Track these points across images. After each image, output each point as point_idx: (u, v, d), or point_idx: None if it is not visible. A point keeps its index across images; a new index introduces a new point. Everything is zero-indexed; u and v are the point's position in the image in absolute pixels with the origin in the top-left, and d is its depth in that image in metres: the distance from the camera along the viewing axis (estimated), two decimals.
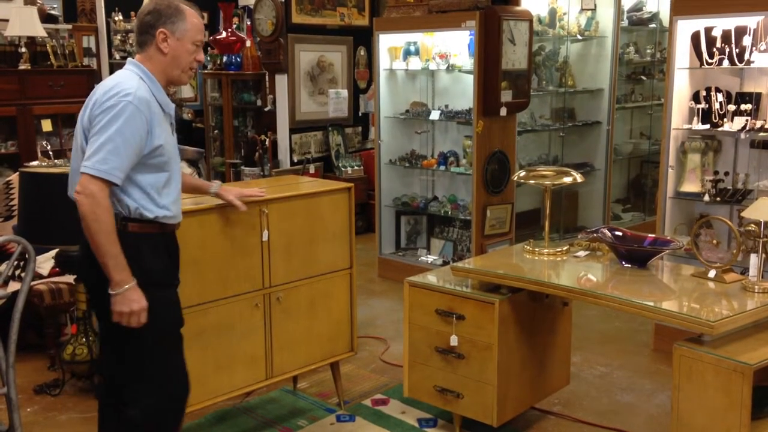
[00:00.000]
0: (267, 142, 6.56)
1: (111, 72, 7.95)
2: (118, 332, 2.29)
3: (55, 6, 7.78)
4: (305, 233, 3.13)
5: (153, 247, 2.31)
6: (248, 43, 6.69)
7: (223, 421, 3.30)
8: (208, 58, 6.90)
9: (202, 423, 3.27)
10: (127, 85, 2.21)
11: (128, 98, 2.17)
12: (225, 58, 6.79)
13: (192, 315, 2.72)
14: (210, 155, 7.13)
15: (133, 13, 7.89)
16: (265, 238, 2.96)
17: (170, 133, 2.35)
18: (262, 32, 6.62)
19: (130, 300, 2.21)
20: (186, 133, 7.45)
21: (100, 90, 2.25)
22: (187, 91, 8.31)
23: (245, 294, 2.92)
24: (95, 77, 7.14)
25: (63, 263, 3.82)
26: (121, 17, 8.20)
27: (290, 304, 3.09)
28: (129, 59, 2.37)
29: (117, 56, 8.17)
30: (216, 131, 7.24)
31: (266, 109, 6.80)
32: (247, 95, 6.95)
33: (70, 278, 3.78)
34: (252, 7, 6.80)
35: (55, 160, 4.04)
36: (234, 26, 6.92)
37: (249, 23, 6.83)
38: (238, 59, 6.73)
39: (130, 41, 8.21)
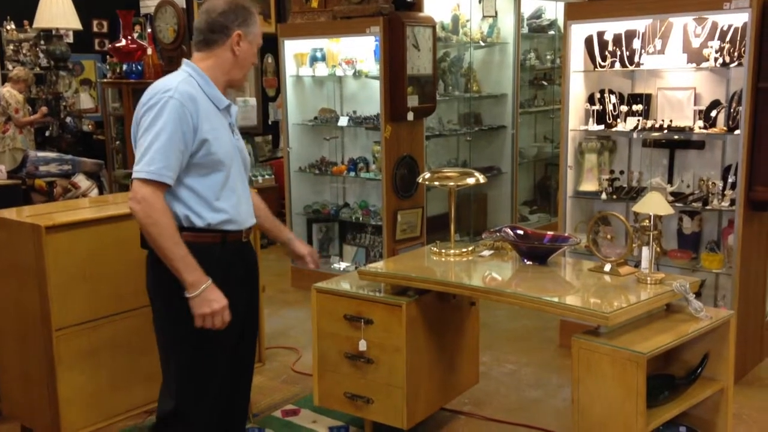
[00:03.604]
0: None
1: (2, 83, 7.56)
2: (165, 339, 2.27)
3: None
4: None
5: (208, 259, 2.17)
6: (149, 51, 6.49)
7: None
8: (107, 67, 6.67)
9: None
10: (168, 82, 2.16)
11: (168, 93, 2.11)
12: (125, 67, 6.56)
13: (84, 332, 2.59)
14: (112, 167, 6.87)
15: (26, 22, 7.53)
16: None
17: (226, 132, 2.24)
18: (164, 39, 6.44)
19: (210, 300, 2.12)
20: (86, 145, 7.16)
21: (144, 94, 2.19)
22: (87, 102, 7.99)
23: (141, 308, 2.80)
24: None
25: None
26: (13, 26, 7.80)
27: None
28: (184, 60, 2.28)
29: (10, 66, 7.77)
30: (118, 142, 6.99)
31: None
32: None
33: None
34: (152, 14, 6.61)
35: None
36: (136, 34, 6.71)
37: (150, 31, 6.64)
38: (139, 67, 6.52)
39: (24, 51, 7.83)
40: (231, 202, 2.23)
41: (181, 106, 2.10)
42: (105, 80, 6.82)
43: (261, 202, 2.62)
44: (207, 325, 2.16)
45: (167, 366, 2.33)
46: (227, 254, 2.26)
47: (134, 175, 2.09)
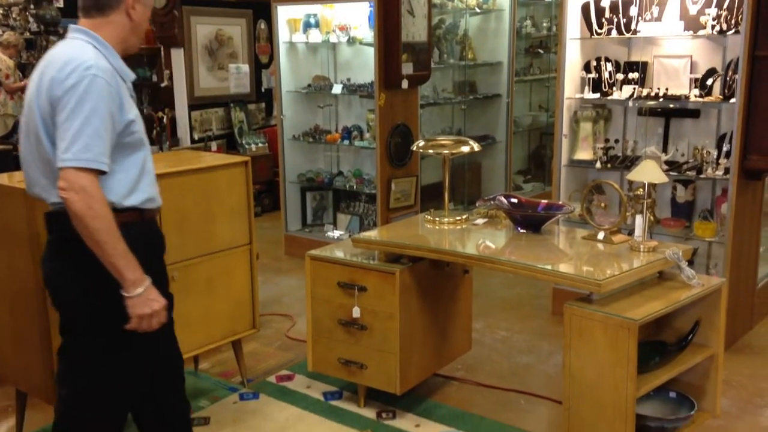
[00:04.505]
0: (165, 120, 6.32)
1: None
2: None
3: None
4: (201, 209, 3.02)
5: (130, 239, 1.99)
6: None
7: None
8: None
9: None
10: (83, 56, 1.94)
11: (91, 71, 1.91)
12: None
13: None
14: None
15: None
16: None
17: (136, 107, 2.09)
18: (155, 4, 6.34)
19: (150, 300, 1.98)
20: None
21: (52, 67, 1.96)
22: None
23: None
24: None
25: None
26: None
27: (186, 282, 2.99)
28: (72, 26, 2.06)
29: (0, 31, 7.65)
30: None
31: (163, 85, 6.54)
32: (142, 70, 6.67)
33: None
34: None
35: None
36: None
37: None
38: None
39: (14, 15, 7.71)
40: (148, 181, 2.11)
41: (107, 86, 1.94)
42: None
43: None
44: (143, 327, 2.00)
45: (67, 352, 2.14)
46: (147, 230, 2.14)
47: (66, 164, 1.88)
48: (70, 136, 1.89)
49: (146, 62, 6.70)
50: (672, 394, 2.70)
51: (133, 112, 2.04)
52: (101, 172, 1.93)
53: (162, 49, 6.51)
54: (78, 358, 2.13)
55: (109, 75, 1.96)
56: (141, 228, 2.09)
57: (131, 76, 2.12)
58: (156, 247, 2.20)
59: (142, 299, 1.98)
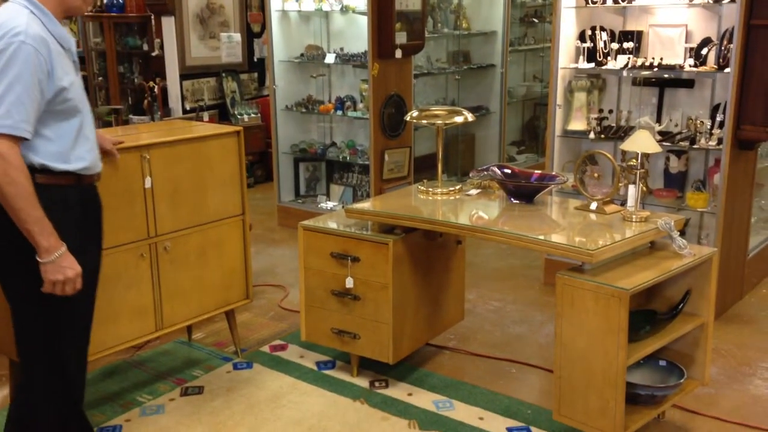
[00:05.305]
0: (156, 89, 6.26)
1: None
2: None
3: None
4: (193, 179, 3.01)
5: (64, 202, 2.07)
6: None
7: (113, 376, 3.19)
8: None
9: (89, 379, 3.13)
10: (14, 22, 1.94)
11: (19, 38, 1.92)
12: (106, 0, 6.38)
13: None
14: (95, 104, 6.75)
15: None
16: (148, 185, 2.83)
17: (74, 74, 2.09)
18: None
19: (64, 267, 2.02)
20: None
21: None
22: None
23: (129, 244, 2.80)
24: None
25: None
26: None
27: (178, 253, 2.99)
28: None
29: None
30: (100, 78, 6.85)
31: (154, 54, 6.47)
32: (132, 39, 6.58)
33: None
34: None
35: None
36: None
37: None
38: (121, 1, 6.34)
39: None
40: (86, 148, 2.13)
41: (35, 53, 1.93)
42: (85, 14, 6.63)
43: None
44: (57, 292, 2.05)
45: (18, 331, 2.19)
46: (84, 194, 2.17)
47: None
48: None
49: (137, 31, 6.61)
50: (662, 363, 2.73)
51: (67, 79, 2.03)
52: (23, 139, 1.96)
53: (152, 17, 6.42)
54: (23, 323, 2.17)
55: (38, 42, 1.95)
56: (78, 192, 2.13)
57: (71, 41, 2.11)
58: (93, 211, 2.24)
59: (55, 266, 2.02)
